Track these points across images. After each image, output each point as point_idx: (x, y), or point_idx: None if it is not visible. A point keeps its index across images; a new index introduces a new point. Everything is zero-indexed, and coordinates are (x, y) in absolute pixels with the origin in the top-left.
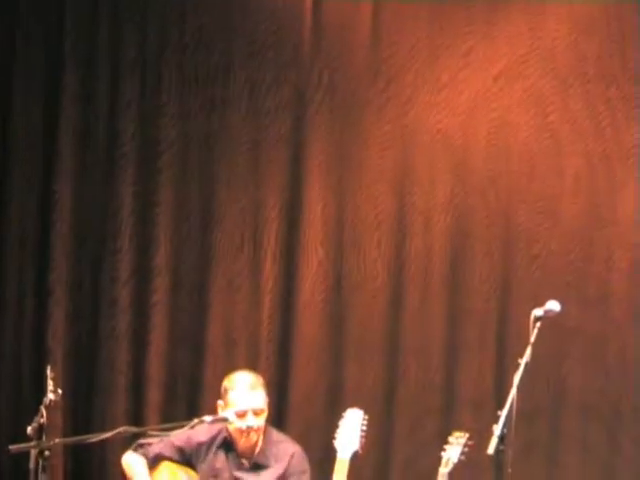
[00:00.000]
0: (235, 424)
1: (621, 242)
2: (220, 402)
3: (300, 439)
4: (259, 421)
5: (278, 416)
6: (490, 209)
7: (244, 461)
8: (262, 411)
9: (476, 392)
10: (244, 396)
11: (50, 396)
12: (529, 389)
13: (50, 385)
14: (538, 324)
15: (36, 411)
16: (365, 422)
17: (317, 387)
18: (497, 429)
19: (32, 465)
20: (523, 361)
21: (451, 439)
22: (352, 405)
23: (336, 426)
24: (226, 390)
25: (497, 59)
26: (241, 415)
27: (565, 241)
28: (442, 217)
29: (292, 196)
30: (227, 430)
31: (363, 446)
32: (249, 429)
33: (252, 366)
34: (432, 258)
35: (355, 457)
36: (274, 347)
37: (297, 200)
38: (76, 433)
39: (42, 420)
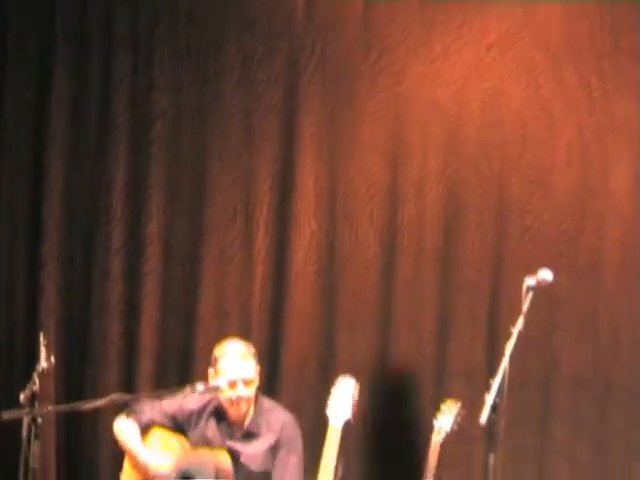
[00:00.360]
0: (225, 394)
1: (613, 214)
2: (210, 370)
3: (292, 409)
4: (249, 391)
5: (270, 386)
6: (483, 179)
7: (235, 430)
8: (252, 381)
9: (468, 362)
10: (234, 365)
11: (43, 364)
12: (520, 359)
13: (43, 352)
14: (531, 294)
15: (29, 379)
16: (357, 391)
17: (309, 357)
18: (489, 398)
19: (25, 432)
20: (515, 330)
21: (443, 407)
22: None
23: (328, 395)
24: (216, 359)
25: (490, 30)
26: (231, 385)
27: (557, 212)
28: (434, 188)
29: (284, 167)
30: (218, 399)
31: (355, 414)
32: (239, 399)
33: (244, 336)
34: (424, 229)
35: (347, 425)
36: (266, 317)
37: (289, 171)
38: (68, 402)
39: (35, 388)
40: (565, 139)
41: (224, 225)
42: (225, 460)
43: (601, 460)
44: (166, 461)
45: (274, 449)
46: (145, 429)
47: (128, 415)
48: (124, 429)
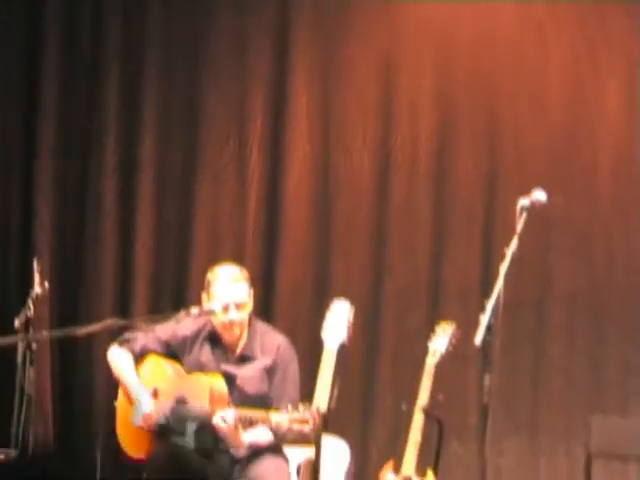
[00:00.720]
0: (219, 318)
1: (607, 135)
2: (204, 294)
3: (287, 333)
4: (242, 314)
5: (265, 311)
6: (476, 99)
7: (230, 354)
8: (245, 304)
9: (462, 284)
10: (227, 289)
11: (37, 289)
12: (515, 280)
13: (37, 278)
14: (525, 214)
15: (23, 305)
16: (352, 314)
17: (304, 281)
18: (484, 319)
19: (20, 358)
20: (509, 251)
21: (438, 329)
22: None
23: (323, 319)
24: (209, 283)
25: None
26: (224, 308)
27: (552, 131)
28: (428, 109)
29: (276, 89)
30: (212, 324)
31: (350, 337)
32: (232, 323)
33: (238, 260)
34: (418, 150)
35: (342, 348)
36: (260, 242)
37: (282, 94)
38: (63, 327)
39: (29, 313)
40: (559, 59)
41: (217, 148)
42: (220, 384)
43: (596, 377)
44: (155, 405)
45: (270, 371)
46: (139, 357)
47: (121, 344)
48: (118, 358)
